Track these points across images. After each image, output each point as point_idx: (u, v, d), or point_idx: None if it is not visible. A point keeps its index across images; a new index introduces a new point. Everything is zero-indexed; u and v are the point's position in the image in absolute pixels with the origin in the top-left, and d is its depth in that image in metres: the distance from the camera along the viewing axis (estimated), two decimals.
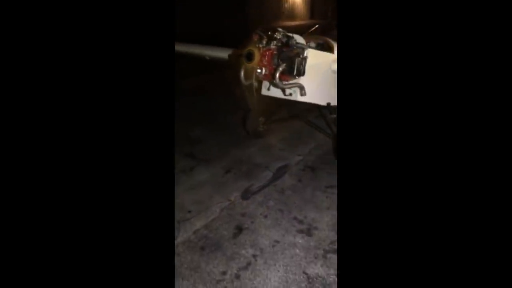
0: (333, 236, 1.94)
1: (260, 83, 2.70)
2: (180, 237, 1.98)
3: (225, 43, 3.26)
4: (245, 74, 2.44)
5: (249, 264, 1.77)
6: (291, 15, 13.34)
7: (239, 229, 2.04)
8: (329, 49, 2.73)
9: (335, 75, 2.74)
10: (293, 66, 2.22)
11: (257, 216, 2.16)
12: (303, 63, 2.27)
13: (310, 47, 2.78)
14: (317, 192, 2.42)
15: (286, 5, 13.20)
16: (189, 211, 2.22)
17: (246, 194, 2.42)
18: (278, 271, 1.72)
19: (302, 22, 12.38)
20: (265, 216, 2.16)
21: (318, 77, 2.57)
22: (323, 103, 2.77)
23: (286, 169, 2.78)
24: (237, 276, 1.69)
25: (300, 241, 1.92)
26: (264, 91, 2.72)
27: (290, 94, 2.56)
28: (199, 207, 2.27)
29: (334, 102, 2.84)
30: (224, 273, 1.72)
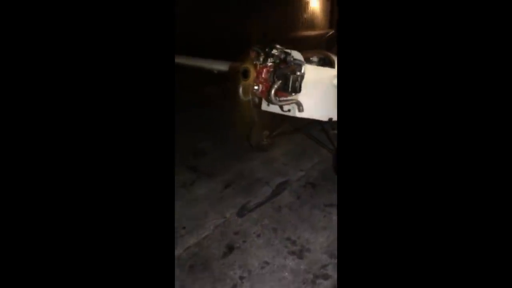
0: (325, 259, 1.87)
1: (261, 98, 2.70)
2: None
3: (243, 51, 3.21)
4: (243, 90, 2.45)
5: (234, 286, 1.73)
6: (311, 24, 13.31)
7: (230, 248, 2.01)
8: (331, 64, 2.68)
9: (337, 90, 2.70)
10: (288, 83, 2.19)
11: (250, 235, 2.13)
12: (299, 79, 2.24)
13: (312, 62, 2.75)
14: (315, 211, 2.34)
15: (305, 15, 13.21)
16: (184, 227, 2.22)
17: (242, 211, 2.39)
18: None
19: (320, 32, 12.31)
20: (258, 235, 2.12)
21: (317, 93, 2.52)
22: (324, 118, 2.71)
23: (286, 185, 2.72)
24: None
25: (290, 264, 1.86)
26: (264, 107, 2.71)
27: (289, 110, 2.53)
28: (194, 224, 2.26)
29: (336, 117, 2.77)
30: None
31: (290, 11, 12.25)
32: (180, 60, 3.65)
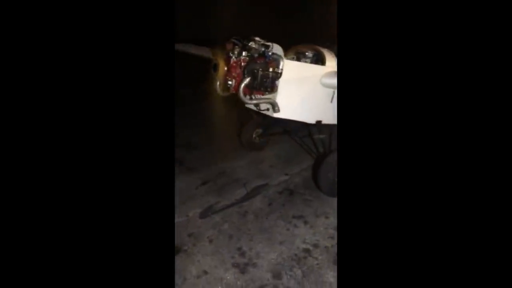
0: (266, 279, 1.68)
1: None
2: None
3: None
4: (219, 84, 2.30)
5: None
6: None
7: (177, 251, 1.91)
8: (322, 61, 2.40)
9: (328, 90, 2.41)
10: (256, 80, 1.99)
11: (202, 239, 2.01)
12: (270, 76, 2.02)
13: (306, 57, 2.50)
14: (280, 222, 2.14)
15: None
16: None
17: (206, 212, 2.28)
18: None
19: None
20: (211, 241, 1.99)
21: (300, 93, 2.28)
22: (310, 121, 2.45)
23: (262, 189, 2.54)
24: None
25: (228, 278, 1.70)
26: (246, 103, 2.53)
27: (268, 109, 2.33)
28: None
29: (326, 120, 2.50)
30: None
31: (333, 9, 11.60)
32: (180, 47, 3.59)
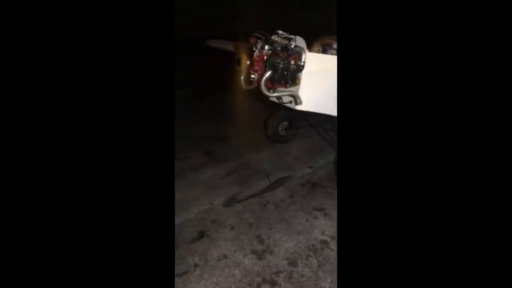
0: (282, 266, 1.74)
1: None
2: None
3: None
4: (244, 78, 2.37)
5: (185, 273, 1.76)
6: None
7: (201, 235, 2.04)
8: None
9: None
10: (277, 73, 2.03)
11: (224, 226, 2.12)
12: (291, 69, 2.04)
13: (332, 49, 2.48)
14: (300, 213, 2.18)
15: None
16: None
17: (230, 201, 2.38)
18: (206, 287, 1.66)
19: None
20: (232, 228, 2.09)
21: (324, 85, 2.27)
22: (334, 113, 2.43)
23: (285, 181, 2.59)
24: None
25: (246, 262, 1.79)
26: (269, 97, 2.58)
27: (290, 102, 2.36)
28: (182, 206, 2.35)
29: None
30: None
31: None
32: (212, 43, 3.71)
